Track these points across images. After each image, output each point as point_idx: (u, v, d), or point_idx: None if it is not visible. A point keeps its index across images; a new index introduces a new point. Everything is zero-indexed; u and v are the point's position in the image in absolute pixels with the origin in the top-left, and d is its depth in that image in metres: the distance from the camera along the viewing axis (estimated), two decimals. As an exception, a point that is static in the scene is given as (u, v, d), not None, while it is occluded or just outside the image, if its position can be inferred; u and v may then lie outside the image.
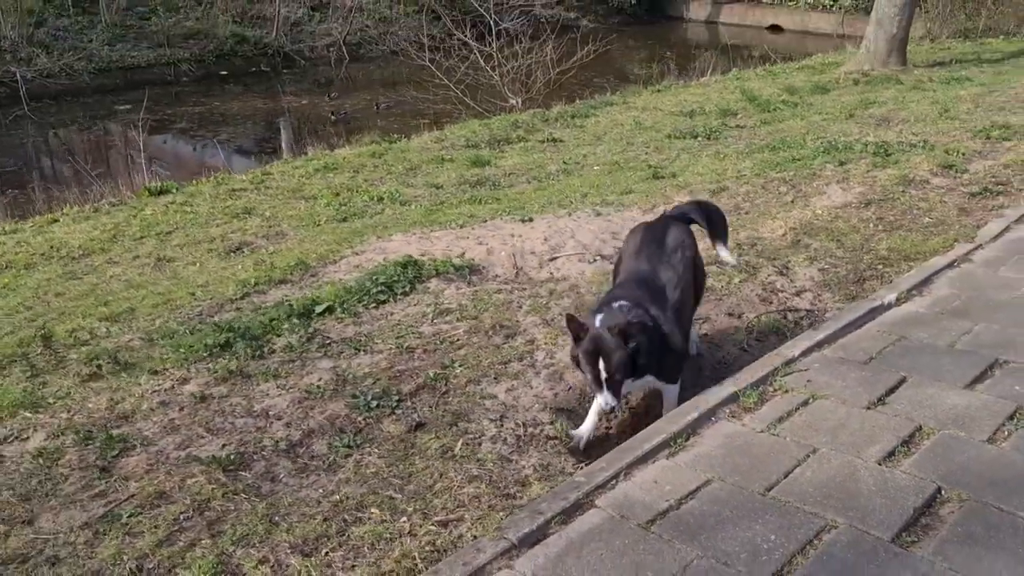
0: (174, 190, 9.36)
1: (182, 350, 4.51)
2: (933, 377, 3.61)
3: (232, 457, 3.39)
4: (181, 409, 3.88)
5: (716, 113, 11.32)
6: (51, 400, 4.10)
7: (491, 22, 14.27)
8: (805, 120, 10.15)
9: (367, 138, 11.79)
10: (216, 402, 3.91)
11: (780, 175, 7.01)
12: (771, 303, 4.68)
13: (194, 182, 9.65)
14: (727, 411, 3.45)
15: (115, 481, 3.31)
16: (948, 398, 3.43)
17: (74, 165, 12.33)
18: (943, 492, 2.86)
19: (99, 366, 4.41)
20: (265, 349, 4.44)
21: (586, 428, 3.59)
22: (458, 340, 4.38)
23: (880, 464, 3.03)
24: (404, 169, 9.62)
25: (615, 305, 3.48)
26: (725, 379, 3.71)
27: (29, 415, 3.93)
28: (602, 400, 3.35)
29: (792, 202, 6.30)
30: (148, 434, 3.68)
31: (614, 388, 3.32)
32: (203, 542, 2.89)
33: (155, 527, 2.97)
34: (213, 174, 10.03)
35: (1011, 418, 3.27)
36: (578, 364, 3.43)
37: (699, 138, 9.88)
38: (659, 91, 13.88)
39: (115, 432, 3.68)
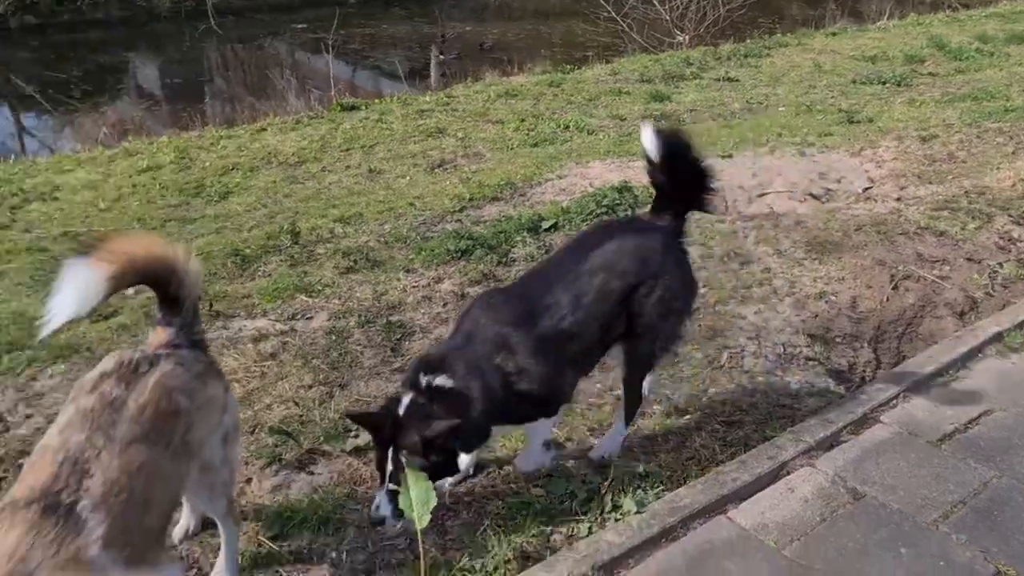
0: (363, 107, 9.80)
1: (424, 253, 4.84)
2: None
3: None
4: (444, 304, 4.21)
5: (901, 60, 10.88)
6: (319, 287, 4.51)
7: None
8: (1005, 71, 9.67)
9: (539, 68, 11.95)
10: (476, 300, 4.22)
11: (996, 125, 6.79)
12: (1010, 252, 4.64)
13: (379, 101, 10.07)
14: (993, 350, 3.52)
15: (408, 360, 3.67)
16: None
17: (269, 78, 12.97)
18: None
19: (354, 261, 4.80)
20: (508, 257, 4.73)
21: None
22: (694, 263, 4.54)
23: None
24: (584, 100, 9.72)
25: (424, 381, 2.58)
26: (987, 318, 3.76)
27: (306, 298, 4.35)
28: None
29: (1014, 153, 6.12)
30: (421, 323, 4.03)
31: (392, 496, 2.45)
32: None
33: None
34: (395, 94, 10.44)
35: None
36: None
37: (887, 84, 9.55)
38: (834, 34, 13.39)
39: (392, 319, 4.04)
